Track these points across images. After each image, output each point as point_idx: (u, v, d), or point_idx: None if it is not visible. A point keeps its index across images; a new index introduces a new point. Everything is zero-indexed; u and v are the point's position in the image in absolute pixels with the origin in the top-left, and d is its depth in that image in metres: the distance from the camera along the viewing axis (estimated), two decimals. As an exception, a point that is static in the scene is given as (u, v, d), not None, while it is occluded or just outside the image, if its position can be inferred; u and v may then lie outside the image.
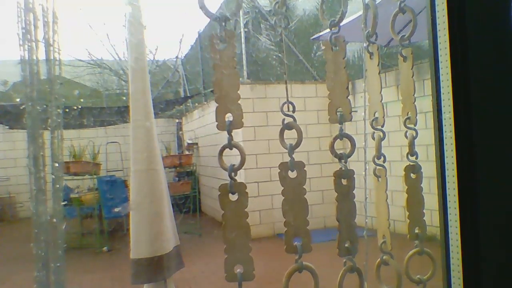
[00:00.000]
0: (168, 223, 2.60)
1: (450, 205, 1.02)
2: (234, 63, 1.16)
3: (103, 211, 6.14)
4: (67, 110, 6.53)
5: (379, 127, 1.58)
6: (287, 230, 1.22)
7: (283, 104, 1.31)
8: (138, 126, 2.50)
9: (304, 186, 1.23)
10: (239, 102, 1.17)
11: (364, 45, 1.56)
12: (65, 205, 6.39)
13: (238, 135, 6.08)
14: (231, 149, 1.19)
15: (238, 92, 1.18)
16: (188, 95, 10.02)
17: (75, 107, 6.72)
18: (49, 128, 1.42)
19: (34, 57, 1.39)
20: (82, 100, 10.75)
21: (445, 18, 1.01)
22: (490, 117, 0.98)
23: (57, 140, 1.45)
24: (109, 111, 7.24)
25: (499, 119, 0.98)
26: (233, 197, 1.19)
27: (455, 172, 1.01)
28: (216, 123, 1.16)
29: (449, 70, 1.01)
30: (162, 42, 22.05)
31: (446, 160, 1.03)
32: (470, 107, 0.98)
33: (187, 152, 8.70)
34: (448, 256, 1.03)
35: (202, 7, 1.14)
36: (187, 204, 7.46)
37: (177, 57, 11.57)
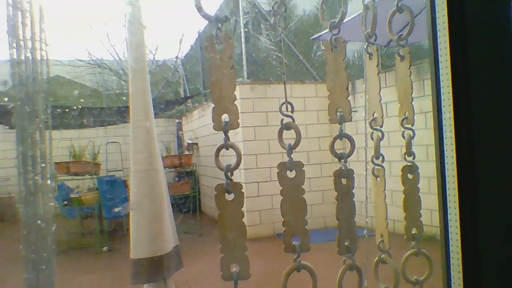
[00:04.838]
0: (168, 223, 2.60)
1: (450, 205, 1.02)
2: (231, 64, 1.16)
3: (103, 211, 6.14)
4: (67, 110, 6.53)
5: (377, 127, 1.58)
6: (286, 229, 1.23)
7: (282, 104, 1.31)
8: (138, 126, 2.50)
9: (302, 186, 1.24)
10: (235, 102, 1.17)
11: (364, 46, 1.56)
12: (65, 205, 6.39)
13: (238, 135, 6.08)
14: (227, 149, 1.19)
15: (235, 93, 1.18)
16: (188, 95, 10.02)
17: (75, 107, 6.72)
18: (37, 129, 1.40)
19: (22, 57, 1.38)
20: (82, 100, 10.75)
21: (445, 18, 1.01)
22: (490, 117, 0.98)
23: (46, 140, 1.44)
24: (109, 111, 7.25)
25: (499, 119, 0.98)
26: (229, 197, 1.19)
27: (455, 172, 1.01)
28: (213, 123, 1.16)
29: (449, 70, 1.01)
30: (162, 42, 22.02)
31: (446, 160, 1.03)
32: (470, 107, 0.98)
33: (187, 152, 8.71)
34: (448, 256, 1.02)
35: (199, 9, 1.14)
36: (187, 204, 7.46)
37: (177, 57, 11.57)
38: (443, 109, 1.02)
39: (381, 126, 1.56)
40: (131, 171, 2.52)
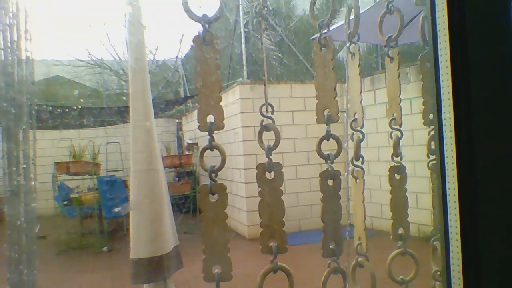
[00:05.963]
0: (168, 223, 2.60)
1: (450, 205, 1.02)
2: (217, 65, 1.16)
3: (103, 211, 6.14)
4: (67, 110, 6.53)
5: (358, 128, 1.57)
6: (263, 231, 1.22)
7: (262, 105, 1.31)
8: (138, 126, 2.50)
9: (281, 188, 1.24)
10: (220, 103, 1.17)
11: (347, 45, 1.54)
12: (65, 205, 6.39)
13: (238, 135, 6.08)
14: (212, 150, 1.19)
15: (220, 94, 1.18)
16: (188, 95, 10.02)
17: (75, 107, 6.72)
18: (21, 129, 1.40)
19: (9, 58, 1.38)
20: (82, 100, 10.74)
21: (445, 18, 1.01)
22: (490, 117, 0.98)
23: (31, 141, 1.43)
24: (109, 111, 7.24)
25: (499, 119, 0.98)
26: (213, 198, 1.18)
27: (455, 172, 1.01)
28: (198, 124, 1.16)
29: (449, 70, 1.01)
30: (162, 42, 21.99)
31: (446, 160, 1.03)
32: (470, 107, 0.98)
33: (187, 152, 8.70)
34: (448, 256, 1.02)
35: (187, 11, 1.14)
36: (187, 204, 7.46)
37: (177, 57, 11.58)
38: (443, 109, 1.02)
39: (362, 127, 1.55)
40: (131, 171, 2.52)
